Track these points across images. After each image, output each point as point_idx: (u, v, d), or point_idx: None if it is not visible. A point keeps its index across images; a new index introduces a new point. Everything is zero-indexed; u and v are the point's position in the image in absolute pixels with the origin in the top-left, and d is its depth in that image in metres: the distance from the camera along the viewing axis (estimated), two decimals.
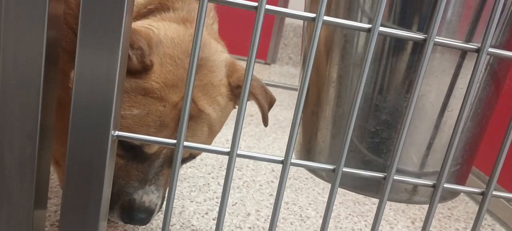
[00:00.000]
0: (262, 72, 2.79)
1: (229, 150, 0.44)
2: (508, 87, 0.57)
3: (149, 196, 0.67)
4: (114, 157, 0.45)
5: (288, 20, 3.06)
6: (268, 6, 0.40)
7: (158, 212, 0.71)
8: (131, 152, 0.65)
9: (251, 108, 1.93)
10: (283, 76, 2.77)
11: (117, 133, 0.43)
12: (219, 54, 0.73)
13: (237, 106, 0.75)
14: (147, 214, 0.67)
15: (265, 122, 0.76)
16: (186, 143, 0.44)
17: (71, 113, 0.41)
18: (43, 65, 0.40)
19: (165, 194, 0.72)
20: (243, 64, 0.69)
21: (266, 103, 0.75)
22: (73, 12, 0.68)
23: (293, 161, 0.45)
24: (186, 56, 0.65)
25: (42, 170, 0.45)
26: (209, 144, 0.74)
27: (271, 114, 1.93)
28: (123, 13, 0.38)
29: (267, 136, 1.58)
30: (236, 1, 0.41)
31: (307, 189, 1.19)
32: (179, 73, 0.64)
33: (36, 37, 0.39)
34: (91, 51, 0.39)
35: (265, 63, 3.06)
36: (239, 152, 0.45)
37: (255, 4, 0.40)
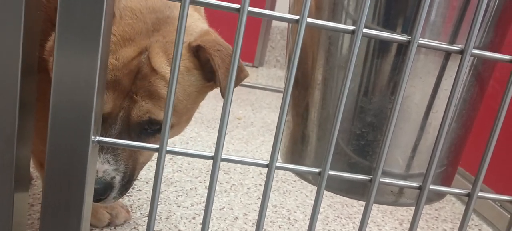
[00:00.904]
0: (250, 75, 2.79)
1: (213, 154, 0.43)
2: (493, 88, 0.58)
3: (103, 165, 0.61)
4: (95, 162, 0.44)
5: (275, 23, 3.06)
6: (251, 8, 0.40)
7: (119, 192, 0.64)
8: None
9: (239, 110, 1.92)
10: (271, 79, 2.77)
11: (98, 138, 0.42)
12: (195, 20, 0.68)
13: (206, 82, 0.68)
14: (100, 185, 0.60)
15: (222, 92, 0.63)
16: (169, 148, 0.43)
17: (50, 118, 0.40)
18: (20, 70, 0.39)
19: (128, 172, 0.64)
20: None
21: (225, 68, 0.62)
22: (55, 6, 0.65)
23: (278, 164, 0.44)
24: (149, 12, 0.61)
25: (22, 158, 0.43)
26: (175, 123, 0.68)
27: (258, 117, 1.93)
28: (102, 14, 0.37)
29: (255, 139, 1.57)
30: (219, 3, 0.40)
31: (295, 192, 1.19)
32: (138, 27, 0.60)
33: (12, 38, 0.38)
34: (70, 55, 0.38)
35: (253, 66, 3.06)
36: (223, 156, 0.44)
37: (238, 6, 0.40)
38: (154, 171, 1.09)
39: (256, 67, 3.06)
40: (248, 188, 1.15)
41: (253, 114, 1.92)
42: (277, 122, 0.42)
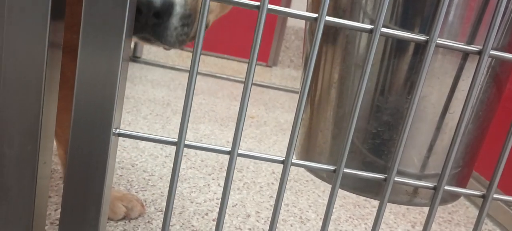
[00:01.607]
0: (263, 75, 2.80)
1: (230, 149, 0.44)
2: (510, 90, 0.57)
3: None
4: (115, 155, 0.45)
5: (289, 22, 3.05)
6: (271, 6, 0.40)
7: (179, 22, 0.57)
8: None
9: (252, 109, 1.93)
10: (284, 79, 2.77)
11: (118, 130, 0.43)
12: None
13: None
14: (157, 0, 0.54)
15: None
16: (187, 142, 0.44)
17: (73, 111, 0.41)
18: (45, 63, 0.40)
19: (189, 6, 0.59)
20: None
21: None
22: None
23: (294, 161, 0.45)
24: None
25: (43, 167, 0.45)
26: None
27: (272, 116, 1.93)
28: (125, 11, 0.38)
29: (268, 138, 1.58)
30: (239, 0, 0.41)
31: (307, 191, 1.19)
32: None
33: (38, 34, 0.39)
34: (93, 50, 0.39)
35: (267, 66, 3.06)
36: (240, 151, 0.45)
37: (257, 3, 0.40)
38: (171, 166, 1.11)
39: (270, 67, 3.06)
40: (260, 186, 1.15)
41: (266, 113, 1.92)
42: (293, 119, 0.43)
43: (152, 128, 1.43)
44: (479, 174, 1.32)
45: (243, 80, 2.52)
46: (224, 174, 1.15)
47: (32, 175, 0.44)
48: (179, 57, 2.81)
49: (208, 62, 2.78)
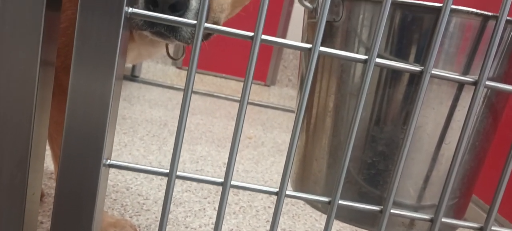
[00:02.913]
0: (261, 94, 2.80)
1: (222, 180, 0.43)
2: (508, 116, 0.57)
3: None
4: (106, 186, 0.45)
5: (289, 38, 3.07)
6: (264, 36, 0.40)
7: (194, 14, 0.56)
8: None
9: (250, 130, 1.92)
10: (282, 98, 2.78)
11: (109, 161, 0.42)
12: None
13: None
14: None
15: None
16: (179, 173, 0.43)
17: (63, 140, 0.40)
18: (36, 90, 0.40)
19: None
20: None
21: None
22: None
23: (288, 192, 0.44)
24: None
25: (32, 196, 0.44)
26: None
27: (269, 137, 1.93)
28: (117, 44, 0.38)
29: (265, 159, 1.56)
30: (232, 31, 0.40)
31: (304, 216, 1.17)
32: None
33: (30, 61, 0.39)
34: (85, 82, 0.39)
35: (265, 85, 3.07)
36: (233, 182, 0.44)
37: (251, 33, 0.40)
38: (164, 192, 1.09)
39: (268, 86, 3.07)
40: (257, 210, 1.14)
41: (264, 134, 1.91)
42: (287, 150, 0.42)
43: (149, 149, 1.42)
44: (478, 198, 1.30)
45: None
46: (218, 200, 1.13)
47: (21, 204, 0.43)
48: (178, 76, 2.81)
49: (206, 82, 2.78)
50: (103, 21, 0.38)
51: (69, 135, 0.40)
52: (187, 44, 0.61)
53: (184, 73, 2.90)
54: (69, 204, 0.41)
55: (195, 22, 0.39)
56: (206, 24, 0.39)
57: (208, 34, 0.65)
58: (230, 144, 1.65)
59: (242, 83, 2.96)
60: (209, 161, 1.42)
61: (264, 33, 0.40)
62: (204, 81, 2.78)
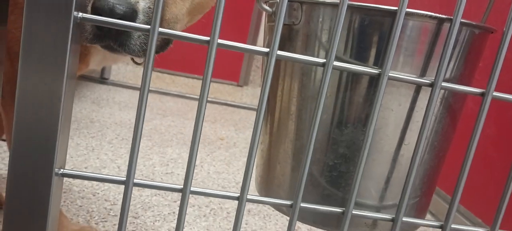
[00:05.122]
0: (234, 94, 2.79)
1: (182, 186, 0.42)
2: (467, 113, 0.58)
3: None
4: (60, 197, 0.43)
5: (260, 42, 3.07)
6: (221, 41, 0.39)
7: (144, 24, 0.53)
8: None
9: (222, 131, 1.91)
10: (256, 98, 2.78)
11: (62, 170, 0.41)
12: None
13: None
14: (124, 6, 0.52)
15: None
16: (136, 180, 0.42)
17: (12, 149, 0.38)
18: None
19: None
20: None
21: None
22: None
23: (249, 197, 0.43)
24: None
25: None
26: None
27: (241, 137, 1.92)
28: (67, 47, 0.36)
29: (237, 160, 1.56)
30: (188, 35, 0.40)
31: (275, 216, 1.17)
32: None
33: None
34: (33, 84, 0.37)
35: (238, 85, 3.06)
36: (193, 188, 0.43)
37: (207, 38, 0.39)
38: (135, 194, 1.07)
39: (241, 86, 3.06)
40: (227, 212, 1.13)
41: (236, 134, 1.91)
42: (247, 156, 0.42)
43: (117, 153, 1.39)
44: (440, 189, 1.34)
45: (215, 100, 2.51)
46: (193, 201, 1.12)
47: None
48: None
49: (178, 83, 2.75)
50: (50, 22, 0.36)
51: (17, 143, 0.38)
52: (138, 57, 0.60)
53: (155, 74, 2.86)
54: (19, 218, 0.39)
55: (148, 26, 0.38)
56: (161, 29, 0.38)
57: (163, 44, 0.64)
58: (202, 146, 1.64)
59: (214, 84, 2.94)
60: (180, 163, 1.40)
61: (232, 36, 0.40)
62: (175, 82, 2.75)
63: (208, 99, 2.47)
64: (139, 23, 0.55)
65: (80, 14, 0.38)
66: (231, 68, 3.04)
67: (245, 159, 1.58)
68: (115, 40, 0.56)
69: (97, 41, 0.56)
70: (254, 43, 3.01)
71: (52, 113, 0.38)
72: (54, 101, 0.38)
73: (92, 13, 0.53)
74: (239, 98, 2.73)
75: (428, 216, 1.32)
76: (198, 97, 2.49)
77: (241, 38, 2.88)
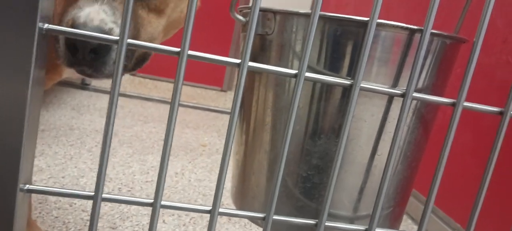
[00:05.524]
0: (218, 100, 2.78)
1: (152, 201, 0.42)
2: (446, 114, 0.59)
3: (99, 15, 0.54)
4: (26, 213, 0.42)
5: None
6: (191, 52, 0.39)
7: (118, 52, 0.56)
8: None
9: (204, 137, 1.90)
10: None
11: (27, 186, 0.39)
12: None
13: None
14: (98, 32, 0.54)
15: None
16: (105, 195, 0.41)
17: None
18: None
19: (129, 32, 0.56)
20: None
21: None
22: None
23: (221, 210, 0.43)
24: None
25: None
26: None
27: (224, 144, 1.90)
28: (32, 55, 0.35)
29: (219, 167, 1.55)
30: (158, 47, 0.39)
31: (257, 228, 1.17)
32: None
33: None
34: None
35: (221, 90, 3.05)
36: (163, 203, 0.42)
37: (177, 49, 0.39)
38: (112, 205, 1.04)
39: (225, 91, 3.06)
40: (208, 221, 1.12)
41: (219, 141, 1.90)
42: (219, 168, 0.41)
43: (96, 161, 1.37)
44: (420, 194, 1.35)
45: (198, 105, 2.49)
46: (172, 210, 1.11)
47: None
48: (131, 83, 2.74)
49: (160, 88, 2.73)
50: (14, 33, 0.35)
51: None
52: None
53: (138, 80, 2.83)
54: None
55: (117, 38, 0.37)
56: (130, 40, 0.37)
57: (139, 62, 0.64)
58: (183, 153, 1.62)
59: (197, 89, 2.92)
60: None
61: (215, 45, 0.39)
62: (158, 88, 2.73)
63: (190, 105, 2.46)
64: (114, 50, 0.56)
65: (46, 25, 0.37)
66: (215, 74, 3.03)
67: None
68: (90, 66, 0.56)
69: (72, 66, 0.57)
70: (237, 52, 3.01)
71: (15, 122, 0.37)
72: (18, 112, 0.36)
73: (66, 41, 0.54)
74: (223, 103, 2.72)
75: (408, 220, 1.33)
76: (180, 102, 2.47)
77: (225, 48, 2.88)
